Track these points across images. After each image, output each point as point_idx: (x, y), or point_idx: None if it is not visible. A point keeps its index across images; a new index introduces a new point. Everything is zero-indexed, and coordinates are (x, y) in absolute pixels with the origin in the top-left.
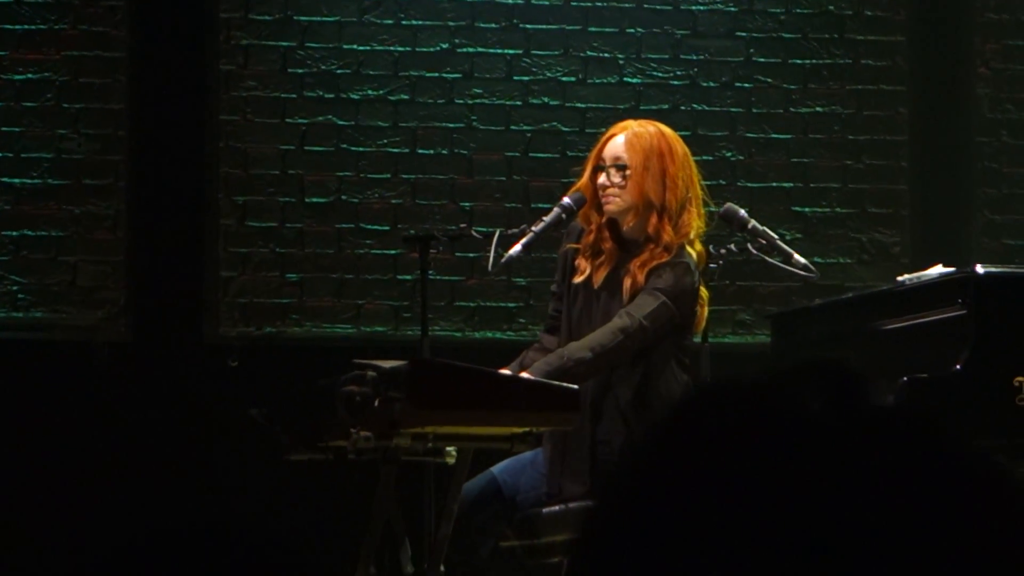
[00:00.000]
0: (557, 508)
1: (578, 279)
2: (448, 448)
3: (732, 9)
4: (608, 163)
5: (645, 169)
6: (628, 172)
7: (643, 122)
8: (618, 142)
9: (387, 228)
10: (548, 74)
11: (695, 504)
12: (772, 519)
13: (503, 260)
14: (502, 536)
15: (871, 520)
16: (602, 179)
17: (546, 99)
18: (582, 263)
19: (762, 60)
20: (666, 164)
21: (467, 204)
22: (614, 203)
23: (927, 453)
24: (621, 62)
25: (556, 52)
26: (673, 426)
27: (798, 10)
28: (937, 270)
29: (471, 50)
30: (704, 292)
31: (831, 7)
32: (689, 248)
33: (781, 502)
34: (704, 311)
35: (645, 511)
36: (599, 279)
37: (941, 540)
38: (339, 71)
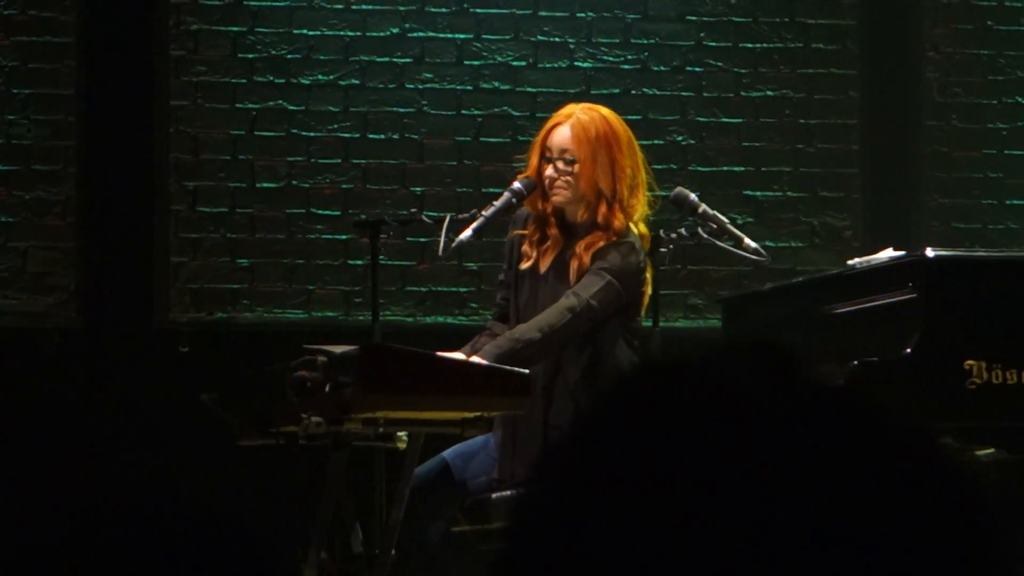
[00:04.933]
0: (508, 492)
1: (524, 265)
2: (399, 433)
3: None
4: (555, 155)
5: (594, 161)
6: (577, 166)
7: (586, 107)
8: (564, 134)
9: (338, 213)
10: (499, 58)
11: (628, 485)
12: (706, 496)
13: (454, 245)
14: (453, 520)
15: (804, 493)
16: (550, 171)
17: (497, 84)
18: (528, 249)
19: (713, 44)
20: (614, 154)
21: (418, 189)
22: (562, 195)
23: (858, 426)
24: (572, 46)
25: (507, 36)
26: (606, 408)
27: None
28: (887, 254)
29: (421, 35)
30: (648, 272)
31: None
32: (633, 227)
33: (713, 479)
34: (648, 290)
35: (579, 492)
36: (545, 264)
37: (874, 512)
38: (289, 56)
